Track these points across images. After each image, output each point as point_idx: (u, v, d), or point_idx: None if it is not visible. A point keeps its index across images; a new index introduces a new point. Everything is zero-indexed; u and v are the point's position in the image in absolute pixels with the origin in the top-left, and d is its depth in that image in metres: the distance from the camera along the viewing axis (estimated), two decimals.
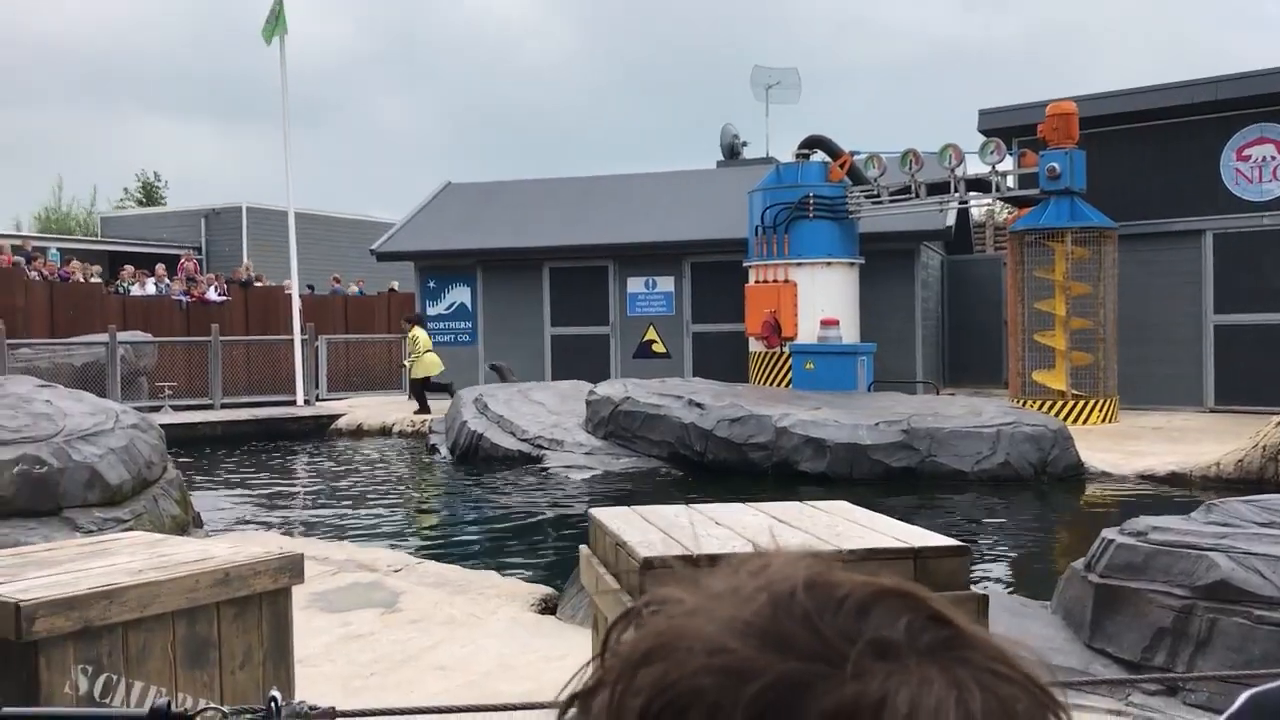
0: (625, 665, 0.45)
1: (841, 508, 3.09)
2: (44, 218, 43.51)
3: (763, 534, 2.65)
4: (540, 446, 12.84)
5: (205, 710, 1.40)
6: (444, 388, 17.64)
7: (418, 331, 18.13)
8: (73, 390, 9.85)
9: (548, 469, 12.13)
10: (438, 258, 20.94)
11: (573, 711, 0.49)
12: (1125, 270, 15.36)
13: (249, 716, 1.43)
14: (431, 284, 21.19)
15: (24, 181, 78.45)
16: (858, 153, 16.63)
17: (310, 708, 1.48)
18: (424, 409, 17.52)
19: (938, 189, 15.80)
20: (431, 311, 21.10)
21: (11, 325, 19.03)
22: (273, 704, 1.45)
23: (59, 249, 27.07)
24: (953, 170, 15.42)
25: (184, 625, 3.19)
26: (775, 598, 0.47)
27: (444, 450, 14.14)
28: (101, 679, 3.03)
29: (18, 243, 25.91)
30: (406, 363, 18.45)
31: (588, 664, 0.51)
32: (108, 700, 3.01)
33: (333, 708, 1.52)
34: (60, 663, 2.94)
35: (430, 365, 17.87)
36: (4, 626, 2.86)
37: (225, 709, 1.42)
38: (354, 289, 26.65)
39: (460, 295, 21.04)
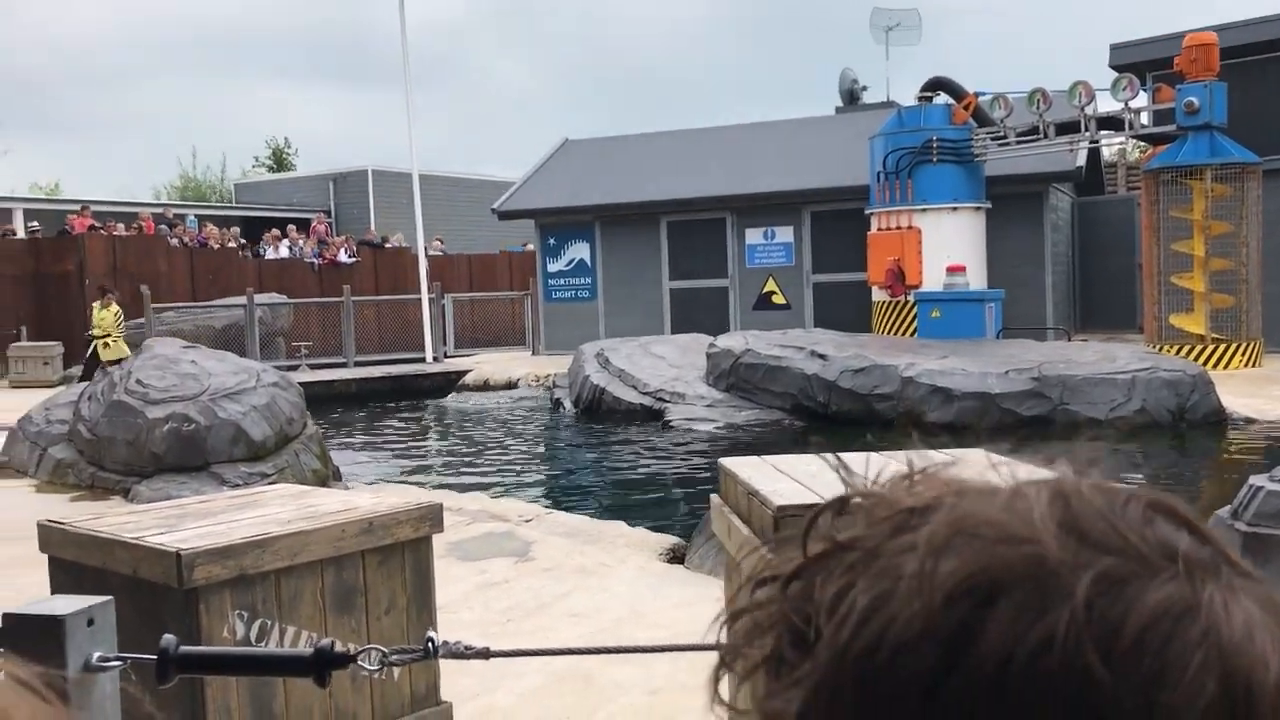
0: (927, 551, 0.45)
1: (977, 456, 3.05)
2: (181, 186, 45.18)
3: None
4: (662, 400, 12.91)
5: (366, 650, 1.46)
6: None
7: (118, 307, 16.59)
8: (215, 351, 10.27)
9: (670, 421, 12.20)
10: (557, 214, 21.10)
11: (764, 591, 0.49)
12: (1270, 207, 14.63)
13: (408, 656, 1.49)
14: (551, 241, 21.38)
15: (160, 152, 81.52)
16: (982, 93, 16.15)
17: (466, 647, 1.54)
18: None
19: (1067, 129, 15.26)
20: (551, 268, 21.31)
21: (156, 290, 19.90)
22: (429, 644, 1.51)
23: (196, 216, 28.10)
24: (1083, 109, 14.87)
25: (332, 573, 3.32)
26: (1061, 493, 0.46)
27: (568, 404, 14.33)
28: (257, 624, 3.17)
29: (159, 211, 26.98)
30: (112, 341, 16.37)
31: (774, 550, 0.51)
32: (263, 644, 3.16)
33: (486, 648, 1.57)
34: (219, 608, 3.09)
35: (124, 350, 15.94)
36: (166, 574, 3.02)
37: (385, 649, 1.48)
38: (529, 246, 26.90)
39: (579, 251, 21.18)
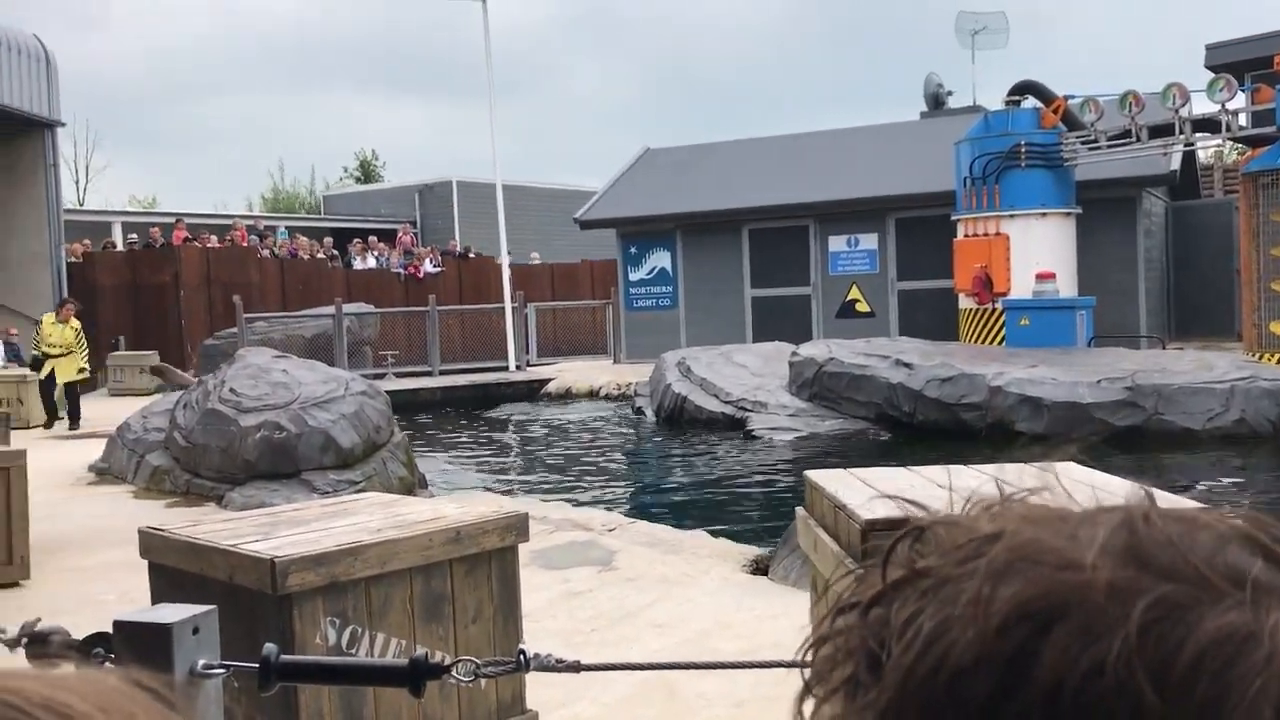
0: (985, 577, 0.45)
1: (1070, 469, 2.98)
2: (271, 198, 46.25)
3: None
4: (744, 409, 12.86)
5: (460, 662, 1.48)
6: (75, 407, 14.26)
7: (78, 322, 14.90)
8: (305, 360, 10.49)
9: (752, 431, 12.15)
10: (638, 223, 21.16)
11: (845, 619, 0.50)
12: None
13: (501, 668, 1.50)
14: (632, 250, 21.46)
15: (250, 164, 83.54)
16: (1072, 96, 15.85)
17: (557, 660, 1.55)
18: (53, 418, 14.36)
19: (1160, 131, 14.89)
20: (633, 277, 21.37)
21: (248, 300, 20.39)
22: (521, 656, 1.52)
23: (287, 227, 28.73)
24: (1177, 111, 14.51)
25: (420, 581, 3.36)
26: (1129, 520, 0.46)
27: (649, 413, 14.36)
28: (348, 631, 3.23)
29: (250, 222, 27.64)
30: (83, 362, 14.75)
31: (858, 577, 0.51)
32: (353, 651, 3.21)
33: (577, 661, 1.58)
34: (311, 615, 3.15)
35: (74, 371, 14.65)
36: (261, 581, 3.09)
37: (478, 660, 1.50)
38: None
39: (660, 260, 21.22)
